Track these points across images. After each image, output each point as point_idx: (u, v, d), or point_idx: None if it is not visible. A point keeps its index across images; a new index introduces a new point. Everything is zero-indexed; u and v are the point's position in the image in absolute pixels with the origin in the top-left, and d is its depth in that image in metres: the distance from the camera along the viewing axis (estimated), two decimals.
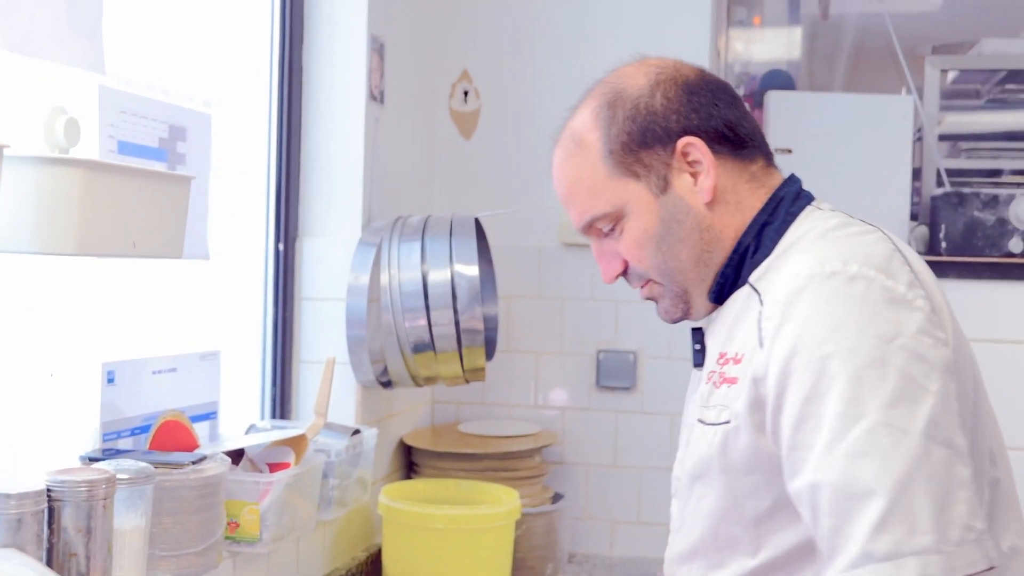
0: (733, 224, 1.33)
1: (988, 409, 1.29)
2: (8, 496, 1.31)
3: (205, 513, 1.61)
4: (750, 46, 4.07)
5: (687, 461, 1.35)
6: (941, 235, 2.71)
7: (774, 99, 3.06)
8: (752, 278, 1.29)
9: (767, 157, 1.38)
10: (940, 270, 2.72)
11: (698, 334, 1.40)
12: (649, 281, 1.37)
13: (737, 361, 1.25)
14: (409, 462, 2.64)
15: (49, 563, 1.37)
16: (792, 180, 1.37)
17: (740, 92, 3.89)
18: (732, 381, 1.25)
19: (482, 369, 2.25)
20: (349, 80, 2.32)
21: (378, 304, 2.23)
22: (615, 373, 2.77)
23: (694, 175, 1.32)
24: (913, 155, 2.88)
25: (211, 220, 1.92)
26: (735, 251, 1.32)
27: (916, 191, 2.94)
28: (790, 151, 3.03)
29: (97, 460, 1.52)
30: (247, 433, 2.02)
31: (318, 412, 2.02)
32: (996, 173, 3.03)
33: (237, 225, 2.16)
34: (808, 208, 1.33)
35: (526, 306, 2.82)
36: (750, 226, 1.32)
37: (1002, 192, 2.71)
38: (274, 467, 1.84)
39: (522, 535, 2.43)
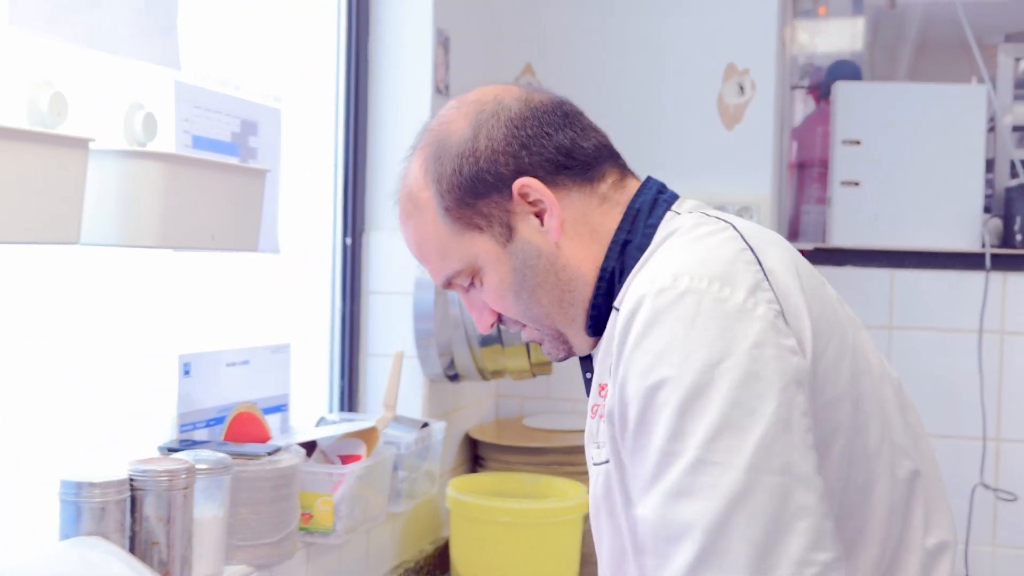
0: (590, 255, 1.22)
1: (892, 401, 1.19)
2: (92, 485, 1.34)
3: (280, 504, 1.62)
4: (815, 37, 4.03)
5: (590, 504, 1.28)
6: (1016, 227, 2.66)
7: (842, 90, 3.03)
8: (616, 302, 1.20)
9: (619, 168, 1.27)
10: (1014, 263, 2.68)
11: (588, 362, 1.29)
12: (526, 325, 1.28)
13: (605, 393, 1.18)
14: (474, 455, 2.64)
15: (132, 551, 1.39)
16: (646, 187, 1.26)
17: (805, 84, 3.87)
18: (604, 416, 1.17)
19: (549, 363, 2.25)
20: (415, 74, 2.33)
21: (445, 297, 2.23)
22: None
23: (539, 214, 1.21)
24: (986, 146, 2.83)
25: (281, 214, 1.93)
26: (600, 279, 1.22)
27: (989, 183, 2.89)
28: (858, 142, 3.00)
29: (175, 450, 1.54)
30: (317, 425, 2.03)
31: (387, 405, 2.03)
32: None
33: (306, 219, 2.18)
34: (668, 215, 1.22)
35: None
36: (609, 250, 1.22)
37: None
38: (346, 459, 1.86)
39: (588, 530, 2.42)
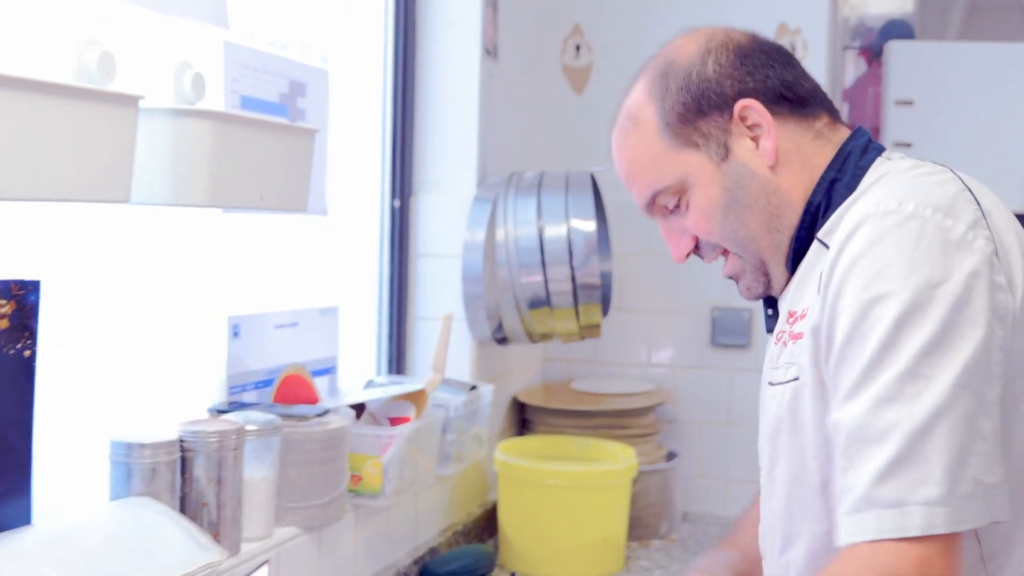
0: (800, 184, 1.27)
1: None
2: (143, 446, 1.34)
3: (329, 466, 1.62)
4: None
5: (763, 428, 1.33)
6: None
7: (895, 49, 2.97)
8: (820, 234, 1.24)
9: (831, 113, 1.32)
10: None
11: (769, 299, 1.35)
12: (726, 253, 1.32)
13: (803, 316, 1.22)
14: (522, 419, 2.63)
15: (182, 511, 1.40)
16: (859, 133, 1.31)
17: (857, 44, 3.79)
18: (799, 337, 1.22)
19: (598, 325, 2.23)
20: (464, 35, 2.31)
21: (494, 260, 2.22)
22: (730, 331, 2.73)
23: (755, 139, 1.27)
24: None
25: (329, 176, 1.92)
26: (806, 212, 1.27)
27: None
28: (911, 103, 2.94)
29: (225, 412, 1.54)
30: (365, 388, 2.03)
31: (436, 368, 2.03)
32: None
33: (354, 181, 2.17)
34: (878, 160, 1.27)
35: (639, 264, 2.78)
36: (818, 184, 1.27)
37: None
38: (395, 421, 1.85)
39: (637, 493, 2.41)
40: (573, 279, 2.15)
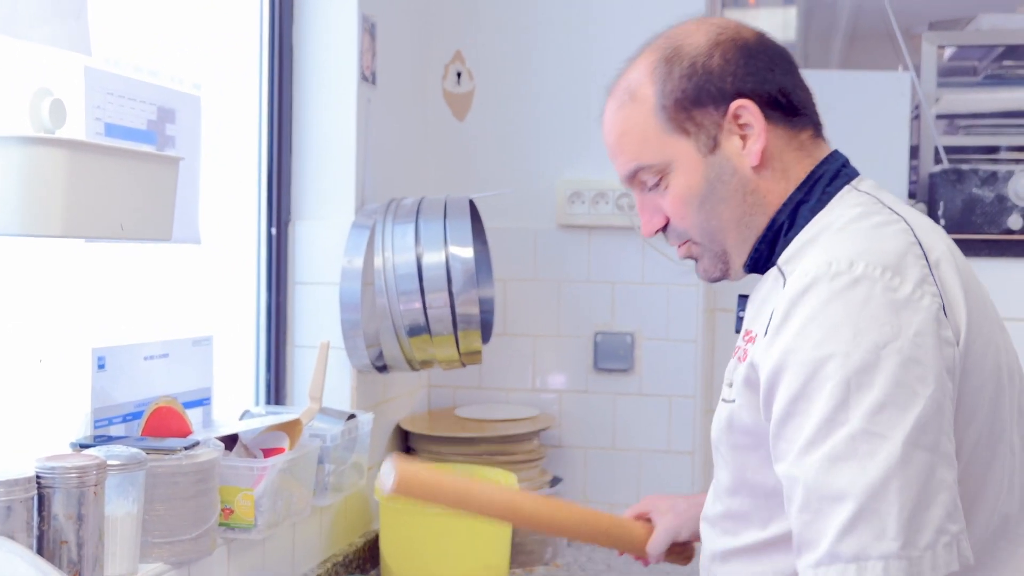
0: (776, 190, 1.34)
1: (1020, 391, 1.30)
2: None
3: (199, 499, 1.59)
4: None
5: (712, 432, 1.40)
6: (940, 212, 2.69)
7: None
8: (781, 260, 1.31)
9: (816, 128, 1.38)
10: None
11: (743, 301, 1.42)
12: (688, 241, 1.39)
13: (753, 340, 1.27)
14: (406, 447, 2.62)
15: (40, 551, 1.35)
16: (834, 157, 1.37)
17: None
18: (744, 360, 1.28)
19: (478, 352, 2.23)
20: (340, 61, 2.29)
21: (372, 288, 2.20)
22: (613, 355, 2.75)
23: (743, 138, 1.33)
24: (911, 133, 2.86)
25: (202, 204, 1.89)
26: (770, 227, 1.33)
27: (914, 169, 2.92)
28: None
29: (88, 447, 1.50)
30: (241, 419, 2.00)
31: (312, 397, 2.00)
32: (994, 150, 3.01)
33: (229, 209, 2.13)
34: (845, 189, 1.33)
35: (522, 289, 2.79)
36: (784, 204, 1.33)
37: (1001, 169, 2.68)
38: (268, 452, 1.82)
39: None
40: (452, 306, 2.15)
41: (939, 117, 2.99)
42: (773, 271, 1.32)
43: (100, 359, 1.63)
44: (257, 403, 2.24)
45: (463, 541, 2.18)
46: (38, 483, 1.35)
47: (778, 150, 1.34)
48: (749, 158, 1.32)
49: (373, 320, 2.22)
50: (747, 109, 1.32)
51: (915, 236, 1.23)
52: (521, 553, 2.45)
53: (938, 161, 2.87)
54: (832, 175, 1.34)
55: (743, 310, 1.41)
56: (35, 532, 1.35)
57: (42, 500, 1.36)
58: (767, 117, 1.32)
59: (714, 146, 1.33)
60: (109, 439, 1.58)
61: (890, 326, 1.14)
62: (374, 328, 2.23)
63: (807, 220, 1.31)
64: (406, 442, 2.61)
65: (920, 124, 2.94)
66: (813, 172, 1.34)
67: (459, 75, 2.82)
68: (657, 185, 1.37)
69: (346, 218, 2.28)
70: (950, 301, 1.19)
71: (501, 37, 2.81)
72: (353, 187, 2.30)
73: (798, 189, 1.33)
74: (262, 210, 2.25)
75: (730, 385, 1.32)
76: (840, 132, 2.93)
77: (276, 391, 2.27)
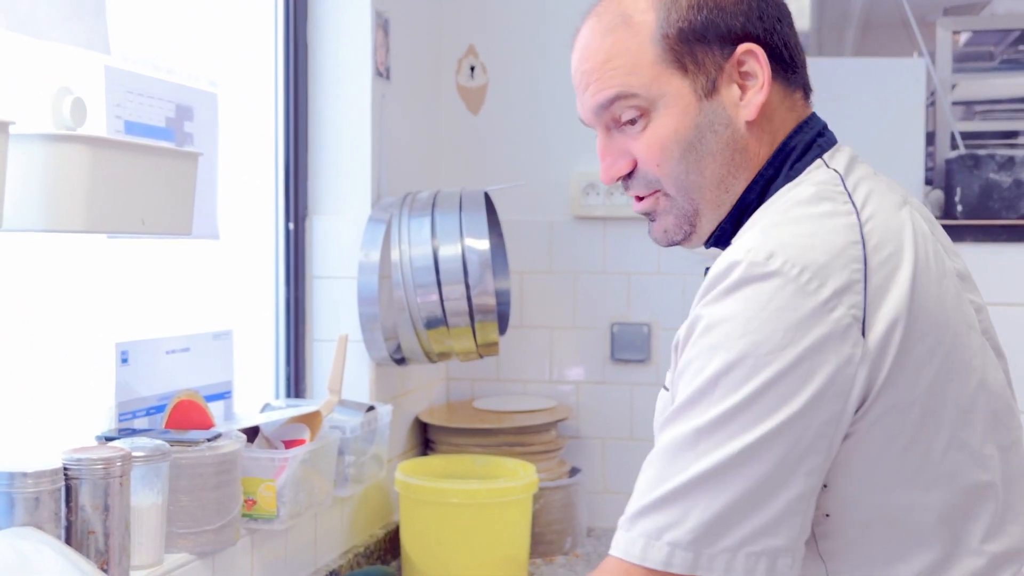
0: (761, 153, 1.22)
1: (984, 410, 1.15)
2: (25, 475, 1.32)
3: (222, 490, 1.61)
4: None
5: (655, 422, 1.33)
6: (957, 198, 2.69)
7: None
8: (736, 239, 1.20)
9: (806, 90, 1.27)
10: (956, 234, 2.69)
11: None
12: (657, 192, 1.25)
13: None
14: (425, 439, 2.64)
15: (68, 541, 1.38)
16: (808, 125, 1.24)
17: None
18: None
19: (495, 343, 2.25)
20: (355, 57, 2.31)
21: (390, 281, 2.22)
22: (629, 346, 2.76)
23: (742, 88, 1.20)
24: (927, 119, 2.85)
25: (220, 200, 1.91)
26: (736, 207, 1.23)
27: (930, 155, 2.91)
28: None
29: (113, 439, 1.52)
30: (262, 412, 2.02)
31: (332, 389, 2.02)
32: (1012, 135, 3.00)
33: (247, 204, 2.16)
34: (816, 162, 1.21)
35: (538, 281, 2.81)
36: (754, 182, 1.22)
37: (1018, 153, 2.68)
38: (289, 444, 1.85)
39: (540, 509, 2.43)
40: (469, 298, 2.17)
41: (955, 103, 2.99)
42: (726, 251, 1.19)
43: (123, 353, 1.65)
44: (277, 396, 2.26)
45: (483, 532, 2.20)
46: (65, 474, 1.37)
47: (772, 108, 1.22)
48: (747, 110, 1.20)
49: (391, 313, 2.24)
50: (755, 55, 1.19)
51: (861, 234, 1.11)
52: (541, 543, 2.46)
53: (954, 147, 2.87)
54: (804, 148, 1.22)
55: None
56: (63, 523, 1.37)
57: (69, 491, 1.38)
58: (771, 69, 1.20)
59: (712, 90, 1.20)
60: (133, 432, 1.60)
61: (782, 333, 1.05)
62: (392, 321, 2.24)
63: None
64: (425, 435, 2.63)
65: (936, 110, 2.93)
66: (784, 144, 1.22)
67: (472, 69, 2.84)
68: (633, 123, 1.22)
69: (362, 212, 2.30)
70: (877, 313, 1.08)
71: (513, 30, 2.82)
72: (369, 181, 2.32)
73: (768, 164, 1.22)
74: (279, 205, 2.28)
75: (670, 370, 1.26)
76: (855, 120, 2.95)
77: (295, 384, 2.29)
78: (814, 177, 1.19)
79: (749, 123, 1.21)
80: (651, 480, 1.11)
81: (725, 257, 1.12)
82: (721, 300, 1.10)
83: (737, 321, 1.07)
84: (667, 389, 1.27)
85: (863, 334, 1.07)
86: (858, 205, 1.14)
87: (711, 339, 1.09)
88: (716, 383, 1.08)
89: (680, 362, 1.14)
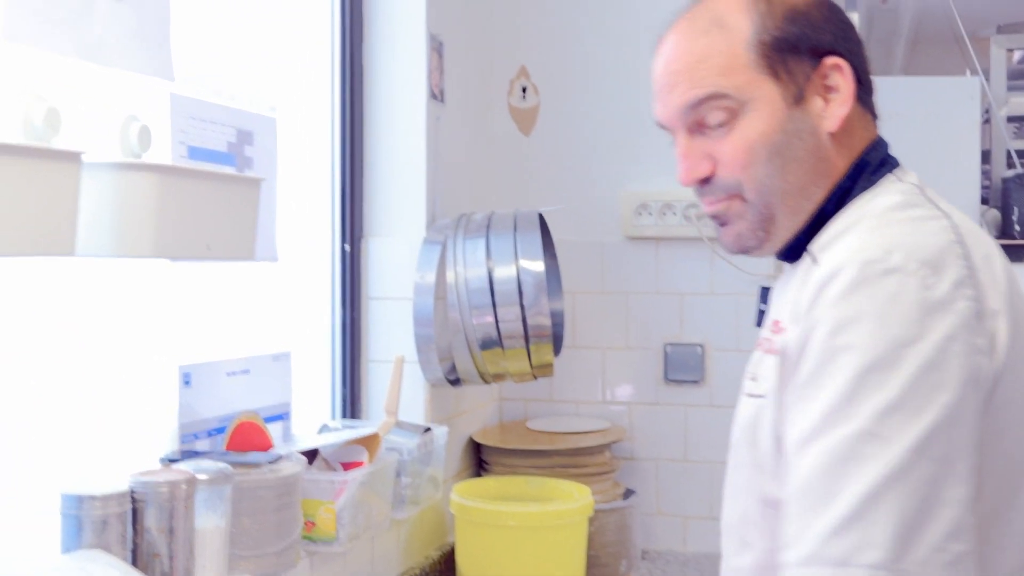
0: (840, 165, 1.26)
1: None
2: (93, 498, 1.33)
3: (283, 513, 1.62)
4: None
5: (733, 430, 1.32)
6: (1014, 217, 2.66)
7: None
8: (815, 246, 1.22)
9: (874, 112, 1.32)
10: (1014, 253, 2.67)
11: (766, 293, 1.36)
12: (734, 196, 1.27)
13: (782, 331, 1.20)
14: (479, 460, 2.64)
15: (134, 564, 1.39)
16: (881, 144, 1.30)
17: None
18: (774, 352, 1.21)
19: (550, 364, 2.25)
20: (410, 79, 2.33)
21: (445, 302, 2.23)
22: (683, 367, 2.75)
23: (826, 100, 1.25)
24: (982, 137, 2.83)
25: (279, 222, 1.93)
26: (816, 216, 1.25)
27: (986, 174, 2.89)
28: None
29: (176, 461, 1.54)
30: (319, 433, 2.03)
31: (389, 411, 2.03)
32: None
33: (304, 227, 2.18)
34: (890, 176, 1.26)
35: (591, 301, 2.81)
36: (833, 192, 1.25)
37: None
38: (348, 466, 1.86)
39: (594, 532, 2.42)
40: (524, 319, 2.17)
41: (1010, 120, 2.96)
42: (805, 259, 1.23)
43: (186, 375, 1.67)
44: (333, 417, 2.28)
45: (539, 554, 2.19)
46: (132, 497, 1.39)
47: (851, 123, 1.26)
48: (830, 121, 1.24)
49: (446, 334, 2.25)
50: (841, 69, 1.24)
51: (958, 234, 1.15)
52: (596, 566, 2.46)
53: (1011, 166, 2.84)
54: (878, 163, 1.27)
55: (765, 302, 1.34)
56: (129, 545, 1.38)
57: (136, 514, 1.39)
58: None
59: (799, 99, 1.24)
60: (195, 454, 1.62)
61: (917, 325, 1.06)
62: (447, 342, 2.25)
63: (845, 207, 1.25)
64: (479, 455, 2.64)
65: (991, 128, 2.91)
66: (862, 158, 1.26)
67: (524, 90, 2.85)
68: (721, 126, 1.25)
69: (417, 234, 2.31)
70: (989, 308, 1.11)
71: (564, 51, 2.83)
72: (424, 203, 2.34)
73: (847, 176, 1.25)
74: (336, 227, 2.30)
75: (754, 379, 1.26)
76: (908, 138, 2.92)
77: (352, 405, 2.30)
78: (894, 188, 1.24)
79: (831, 134, 1.25)
80: (817, 503, 1.07)
81: (833, 263, 1.13)
82: (844, 300, 1.10)
83: (868, 319, 1.08)
84: (752, 396, 1.26)
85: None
86: (945, 212, 1.20)
87: (842, 340, 1.08)
88: (861, 384, 1.06)
89: (802, 369, 1.12)
